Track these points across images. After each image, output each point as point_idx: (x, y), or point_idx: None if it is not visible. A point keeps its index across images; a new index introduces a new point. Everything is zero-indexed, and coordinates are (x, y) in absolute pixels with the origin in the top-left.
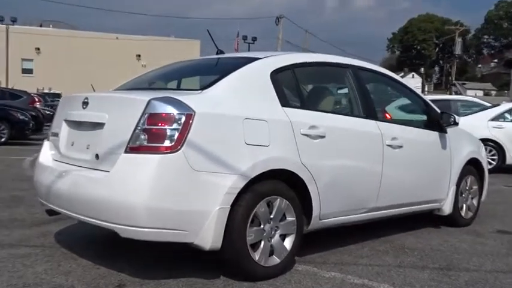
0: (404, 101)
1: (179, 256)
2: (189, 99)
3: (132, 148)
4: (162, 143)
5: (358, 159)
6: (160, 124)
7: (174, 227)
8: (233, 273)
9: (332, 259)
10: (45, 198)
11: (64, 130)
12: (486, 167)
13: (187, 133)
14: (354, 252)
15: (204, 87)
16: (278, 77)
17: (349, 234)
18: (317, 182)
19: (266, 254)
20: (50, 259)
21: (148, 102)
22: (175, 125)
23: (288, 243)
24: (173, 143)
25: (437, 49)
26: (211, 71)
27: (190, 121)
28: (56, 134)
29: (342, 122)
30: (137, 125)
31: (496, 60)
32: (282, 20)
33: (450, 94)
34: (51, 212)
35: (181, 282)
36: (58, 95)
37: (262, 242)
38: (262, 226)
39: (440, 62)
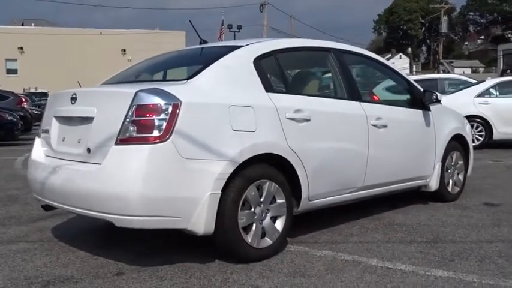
0: (389, 82)
1: (174, 243)
2: (175, 89)
3: (122, 140)
4: (151, 133)
5: (344, 141)
6: (148, 115)
7: (168, 214)
8: (227, 256)
9: (323, 238)
10: (40, 194)
11: (54, 126)
12: (471, 143)
13: (175, 122)
14: (344, 231)
15: (189, 77)
16: (261, 63)
17: (339, 213)
18: (304, 164)
19: (258, 236)
20: (49, 253)
21: (136, 94)
22: (162, 115)
23: (279, 224)
24: (161, 133)
25: (423, 28)
26: (196, 61)
27: (177, 111)
28: (46, 131)
29: (326, 104)
30: (126, 117)
31: (482, 37)
32: (266, 6)
33: (438, 73)
34: (47, 207)
35: (177, 268)
36: (45, 94)
37: (254, 225)
38: (253, 209)
39: (427, 41)
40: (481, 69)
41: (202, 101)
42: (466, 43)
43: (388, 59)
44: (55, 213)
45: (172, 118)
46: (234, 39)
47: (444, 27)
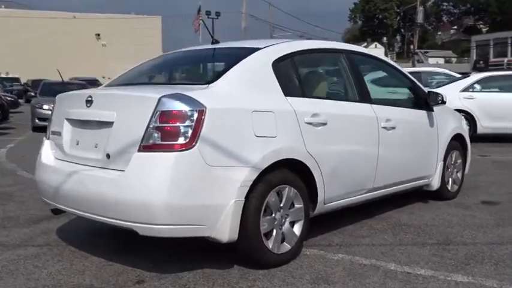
0: (375, 74)
1: (190, 248)
2: (199, 94)
3: (146, 147)
4: (176, 141)
5: (357, 143)
6: (172, 122)
7: (193, 222)
8: (248, 262)
9: (335, 241)
10: (52, 198)
11: (67, 129)
12: (469, 142)
13: (200, 129)
14: (354, 233)
15: (209, 81)
16: (279, 66)
17: (344, 214)
18: (321, 168)
19: (278, 241)
20: (61, 258)
21: (159, 99)
22: (188, 122)
23: (297, 229)
24: (187, 140)
25: (398, 18)
26: (213, 63)
27: (203, 117)
28: (56, 133)
29: (341, 107)
30: (149, 123)
31: (455, 27)
32: None
33: (412, 63)
34: (56, 211)
35: (198, 275)
36: (16, 79)
37: (274, 230)
38: (273, 215)
39: (402, 30)
40: (454, 59)
41: (226, 107)
42: (439, 33)
43: (364, 47)
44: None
45: (198, 125)
46: (213, 26)
47: (420, 18)
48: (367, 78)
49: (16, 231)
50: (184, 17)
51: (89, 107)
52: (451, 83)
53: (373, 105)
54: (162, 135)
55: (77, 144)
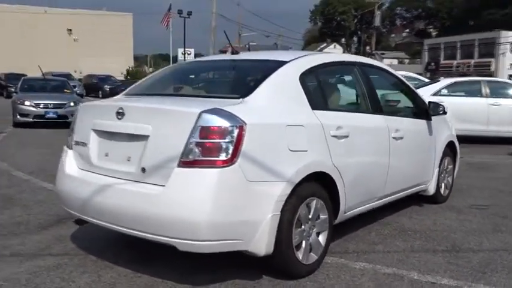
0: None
1: (214, 256)
2: (238, 110)
3: (186, 162)
4: (218, 157)
5: (373, 154)
6: (213, 137)
7: (232, 237)
8: (278, 273)
9: (351, 247)
10: (77, 209)
11: (93, 140)
12: (458, 148)
13: (241, 145)
14: (365, 239)
15: (242, 95)
16: (305, 80)
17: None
18: (343, 179)
19: (307, 252)
20: (85, 270)
21: (200, 115)
22: (229, 138)
23: (322, 239)
24: (229, 156)
25: (355, 20)
26: (241, 76)
27: (243, 133)
28: (81, 143)
29: (359, 120)
30: (189, 139)
31: (407, 30)
32: None
33: None
34: (80, 222)
35: (230, 286)
36: None
37: (304, 242)
38: (303, 227)
39: (359, 32)
40: (406, 61)
41: (263, 122)
42: (393, 35)
43: (322, 48)
44: (64, 217)
45: (239, 141)
46: (184, 26)
47: (377, 21)
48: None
49: (29, 238)
50: (154, 15)
51: (120, 119)
52: (421, 87)
53: (384, 116)
54: (202, 150)
55: (106, 156)
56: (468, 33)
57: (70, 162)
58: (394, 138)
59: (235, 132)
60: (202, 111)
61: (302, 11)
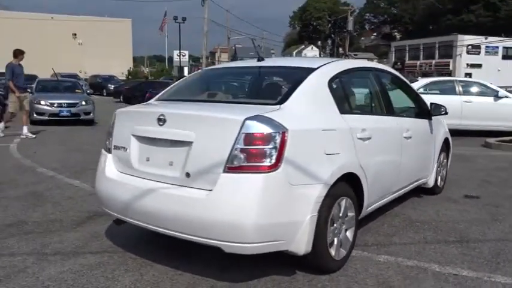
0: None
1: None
2: (279, 116)
3: (232, 168)
4: (263, 162)
5: (389, 153)
6: (258, 144)
7: (275, 238)
8: (312, 269)
9: (370, 240)
10: (118, 211)
11: (134, 145)
12: (451, 144)
13: (284, 151)
14: (380, 231)
15: (279, 102)
16: (332, 85)
17: None
18: (367, 178)
19: (338, 248)
20: (127, 268)
21: (244, 122)
22: (272, 144)
23: (349, 235)
24: (273, 162)
25: (329, 25)
26: (274, 83)
27: (285, 139)
28: (120, 148)
29: (379, 122)
30: (234, 145)
31: (375, 34)
32: (207, 1)
33: None
34: (119, 222)
35: (269, 283)
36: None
37: (335, 239)
38: (335, 225)
39: (332, 35)
40: (375, 61)
41: (302, 128)
42: (362, 38)
43: (301, 50)
44: (95, 214)
45: (282, 147)
46: (180, 30)
47: (350, 26)
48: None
49: (66, 236)
50: (152, 21)
51: (161, 125)
52: None
53: (397, 117)
54: (247, 156)
55: (147, 160)
56: (429, 37)
57: (109, 166)
58: (405, 137)
59: (279, 138)
60: (246, 119)
61: (282, 17)
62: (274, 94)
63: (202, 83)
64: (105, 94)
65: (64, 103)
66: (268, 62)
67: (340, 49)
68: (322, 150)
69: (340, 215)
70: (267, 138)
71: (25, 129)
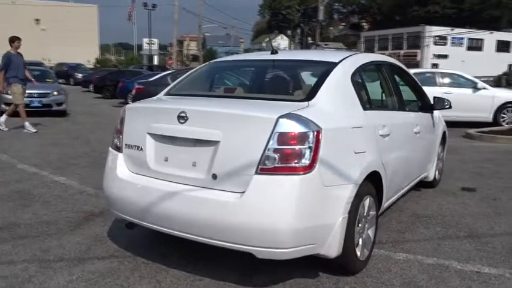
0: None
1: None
2: (311, 114)
3: (265, 169)
4: (299, 163)
5: (404, 149)
6: (293, 144)
7: (309, 242)
8: (337, 271)
9: (384, 238)
10: (132, 214)
11: (150, 144)
12: (447, 138)
13: (319, 151)
14: (390, 227)
15: (306, 98)
16: (355, 80)
17: None
18: (386, 175)
19: (363, 249)
20: (141, 274)
21: (277, 120)
22: (307, 144)
23: (371, 234)
24: (309, 162)
25: (299, 14)
26: (296, 78)
27: (320, 138)
28: (133, 147)
29: (395, 117)
30: (267, 145)
31: (344, 24)
32: None
33: None
34: (130, 225)
35: (295, 286)
36: None
37: (360, 239)
38: (360, 225)
39: (302, 25)
40: (344, 50)
41: (334, 126)
42: (331, 28)
43: (272, 39)
44: (91, 214)
45: (317, 146)
46: (149, 17)
47: (321, 15)
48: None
49: (66, 239)
50: (119, 7)
51: (182, 123)
52: None
53: (408, 112)
54: (281, 157)
55: (166, 160)
56: (397, 28)
57: (121, 166)
58: (415, 133)
59: (314, 137)
60: (280, 117)
61: (252, 5)
62: (299, 90)
63: (215, 77)
64: (72, 83)
65: (35, 93)
66: (283, 55)
67: (309, 38)
68: (352, 149)
69: (364, 214)
70: (302, 138)
71: (27, 124)
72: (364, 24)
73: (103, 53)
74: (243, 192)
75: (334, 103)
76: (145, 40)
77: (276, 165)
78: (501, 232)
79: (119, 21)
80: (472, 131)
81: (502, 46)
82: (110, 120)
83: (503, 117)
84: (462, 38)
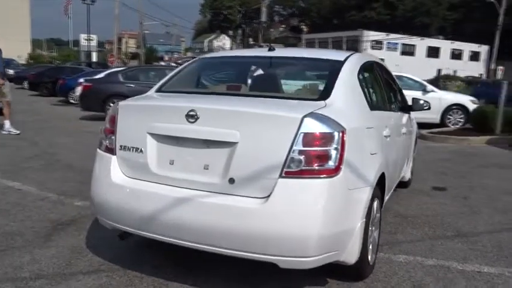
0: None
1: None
2: (332, 114)
3: (290, 172)
4: (326, 166)
5: (397, 150)
6: (319, 145)
7: (332, 249)
8: (348, 277)
9: (380, 240)
10: (132, 225)
11: (151, 145)
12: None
13: (344, 152)
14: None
15: (321, 97)
16: (360, 79)
17: None
18: (387, 176)
19: (372, 253)
20: None
21: (302, 120)
22: (333, 145)
23: (376, 237)
24: (336, 165)
25: (240, 15)
26: (303, 76)
27: (345, 139)
28: (131, 149)
29: (392, 118)
30: (292, 147)
31: (284, 26)
32: None
33: None
34: (123, 236)
35: None
36: None
37: (371, 244)
38: (370, 228)
39: (243, 26)
40: None
41: (354, 126)
42: (272, 30)
43: (213, 39)
44: (58, 223)
45: (342, 147)
46: (88, 11)
47: (264, 17)
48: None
49: (39, 253)
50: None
51: (192, 122)
52: None
53: (398, 113)
54: (307, 159)
55: (171, 164)
56: (335, 31)
57: (115, 170)
58: (403, 133)
59: (339, 138)
60: (305, 117)
61: (193, 3)
62: (310, 88)
63: (212, 73)
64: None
65: None
66: (282, 53)
67: (251, 39)
68: (368, 151)
69: (373, 217)
70: (328, 139)
71: (7, 124)
72: (304, 27)
73: (34, 49)
74: (266, 197)
75: (348, 103)
76: (83, 36)
77: (302, 168)
78: (484, 231)
79: (51, 15)
80: (424, 132)
81: (432, 52)
82: (53, 119)
83: (449, 119)
84: (396, 43)
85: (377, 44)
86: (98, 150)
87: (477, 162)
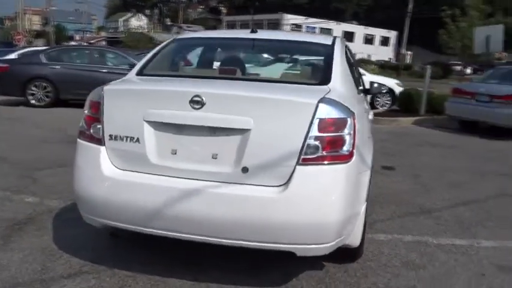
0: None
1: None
2: (341, 98)
3: (308, 159)
4: (341, 151)
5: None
6: (334, 130)
7: (344, 233)
8: (343, 260)
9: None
10: (131, 221)
11: (149, 134)
12: None
13: (356, 137)
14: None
15: (322, 81)
16: (347, 64)
17: None
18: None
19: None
20: None
21: (317, 105)
22: (347, 130)
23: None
24: (350, 150)
25: None
26: (297, 59)
27: (355, 123)
28: (124, 138)
29: (365, 101)
30: (308, 133)
31: (202, 7)
32: None
33: (175, 34)
34: (115, 234)
35: (308, 279)
36: None
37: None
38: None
39: (159, 5)
40: None
41: (358, 111)
42: (190, 10)
43: (129, 18)
44: (14, 222)
45: (354, 132)
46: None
47: None
48: None
49: (4, 258)
50: None
51: (198, 109)
52: None
53: (365, 96)
54: (323, 145)
55: (174, 153)
56: (257, 14)
57: (105, 162)
58: (370, 120)
59: (352, 123)
60: (320, 102)
61: None
62: (306, 73)
63: (198, 55)
64: None
65: None
66: (267, 35)
67: (168, 20)
68: (367, 135)
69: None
70: (343, 124)
71: None
72: (223, 8)
73: None
74: (284, 185)
75: (346, 87)
76: None
77: (319, 154)
78: (442, 206)
79: None
80: None
81: (347, 36)
82: None
83: (377, 101)
84: (315, 27)
85: (297, 28)
86: (79, 140)
87: (411, 141)
